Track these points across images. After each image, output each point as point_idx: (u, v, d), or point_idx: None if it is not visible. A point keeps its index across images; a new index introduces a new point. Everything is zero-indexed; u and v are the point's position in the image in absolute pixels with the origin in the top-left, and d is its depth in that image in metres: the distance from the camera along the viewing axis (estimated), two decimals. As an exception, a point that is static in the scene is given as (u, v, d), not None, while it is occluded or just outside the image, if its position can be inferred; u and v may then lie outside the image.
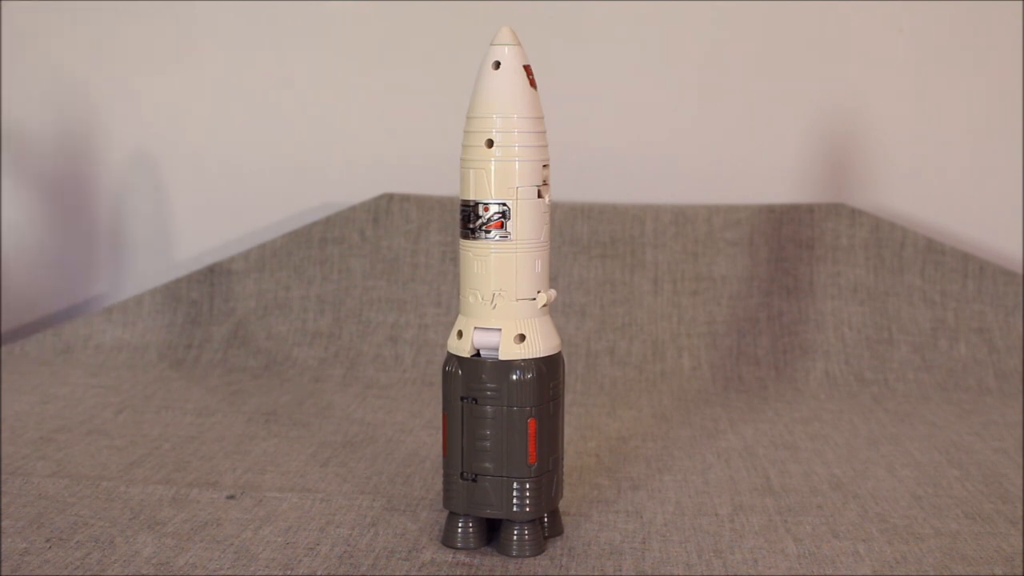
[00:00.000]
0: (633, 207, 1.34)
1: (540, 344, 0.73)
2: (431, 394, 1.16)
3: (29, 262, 1.45)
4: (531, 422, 0.72)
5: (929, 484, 0.90)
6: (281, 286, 1.32)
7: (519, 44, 0.72)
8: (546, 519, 0.77)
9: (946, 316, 1.26)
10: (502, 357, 0.72)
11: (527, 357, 0.72)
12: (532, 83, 0.72)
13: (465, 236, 0.73)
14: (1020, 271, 1.33)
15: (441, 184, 1.34)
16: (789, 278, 1.29)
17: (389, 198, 1.34)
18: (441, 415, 0.75)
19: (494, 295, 0.72)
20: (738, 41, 1.37)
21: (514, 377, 0.72)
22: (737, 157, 1.38)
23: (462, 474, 0.74)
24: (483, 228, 0.72)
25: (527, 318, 0.73)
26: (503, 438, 0.73)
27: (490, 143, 0.71)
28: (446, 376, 0.74)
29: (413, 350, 1.26)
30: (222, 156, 1.42)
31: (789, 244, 1.30)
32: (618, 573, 0.72)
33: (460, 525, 0.75)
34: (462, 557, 0.74)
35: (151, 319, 1.32)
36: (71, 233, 1.45)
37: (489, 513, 0.74)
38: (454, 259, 1.30)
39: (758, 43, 1.36)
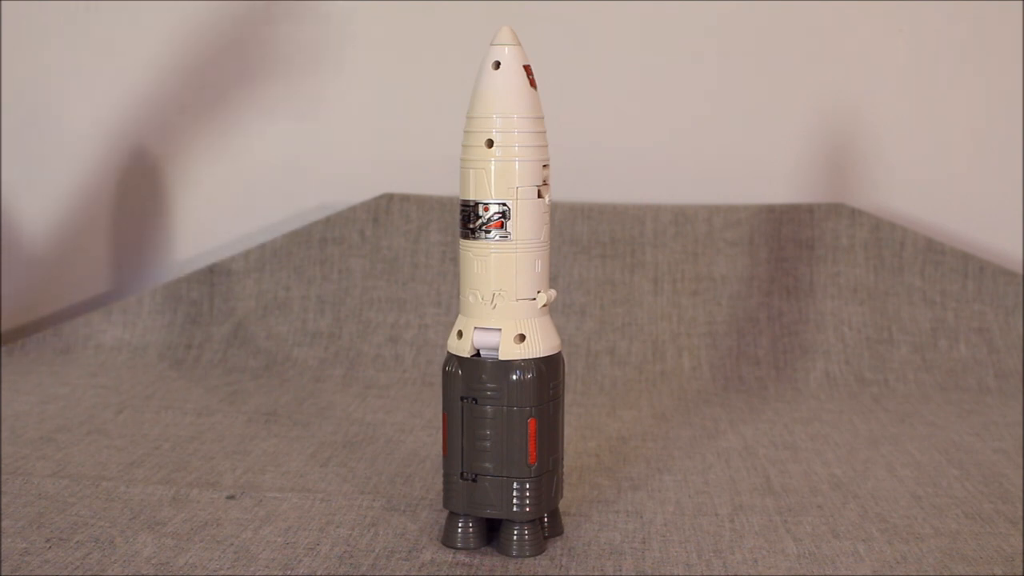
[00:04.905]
0: (633, 207, 1.34)
1: (540, 344, 0.73)
2: (431, 394, 1.16)
3: (29, 262, 1.45)
4: (531, 422, 0.72)
5: (929, 484, 0.90)
6: (281, 286, 1.32)
7: (519, 44, 0.72)
8: (546, 519, 0.77)
9: (946, 316, 1.26)
10: (502, 357, 0.72)
11: (527, 357, 0.72)
12: (532, 83, 0.72)
13: (465, 236, 0.73)
14: (1020, 271, 1.33)
15: (441, 184, 1.34)
16: (789, 278, 1.29)
17: (389, 198, 1.34)
18: (441, 415, 0.75)
19: (494, 295, 0.72)
20: (738, 41, 1.37)
21: (514, 377, 0.72)
22: (737, 157, 1.38)
23: (462, 474, 0.74)
24: (483, 228, 0.72)
25: (527, 318, 0.73)
26: (503, 438, 0.73)
27: (490, 143, 0.71)
28: (446, 376, 0.74)
29: (413, 350, 1.26)
30: (222, 156, 1.42)
31: (789, 244, 1.30)
32: (618, 573, 0.72)
33: (460, 525, 0.75)
34: (462, 557, 0.74)
35: (151, 319, 1.32)
36: (72, 233, 1.45)
37: (489, 513, 0.74)
38: (454, 259, 1.30)
39: (758, 43, 1.37)
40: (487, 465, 0.73)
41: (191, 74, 1.41)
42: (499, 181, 0.71)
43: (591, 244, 1.31)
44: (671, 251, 1.31)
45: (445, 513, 0.78)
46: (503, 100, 0.71)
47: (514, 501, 0.73)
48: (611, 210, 1.33)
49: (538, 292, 0.73)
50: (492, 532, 0.76)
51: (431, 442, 0.99)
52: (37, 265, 1.46)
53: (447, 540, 0.75)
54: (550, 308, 0.76)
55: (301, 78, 1.40)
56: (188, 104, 1.42)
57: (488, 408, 0.73)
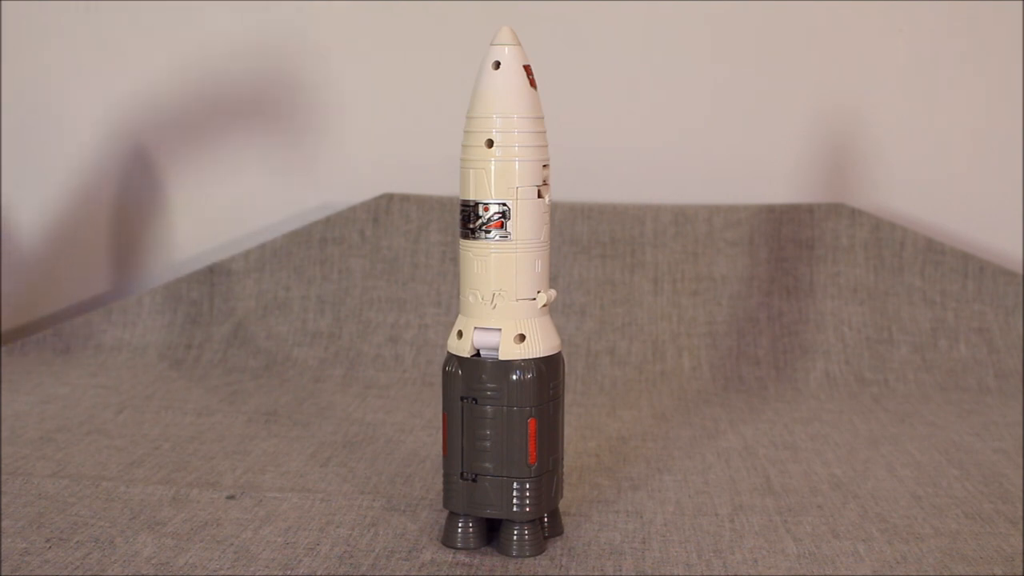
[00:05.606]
0: (633, 207, 1.34)
1: (540, 344, 0.73)
2: (431, 394, 1.16)
3: (29, 262, 1.45)
4: (531, 422, 0.72)
5: (929, 484, 0.90)
6: (281, 286, 1.32)
7: (519, 44, 0.72)
8: (546, 519, 0.77)
9: (946, 316, 1.26)
10: (502, 357, 0.72)
11: (527, 357, 0.72)
12: (532, 83, 0.72)
13: (465, 236, 0.73)
14: (1020, 271, 1.33)
15: (441, 184, 1.34)
16: (789, 278, 1.29)
17: (389, 198, 1.34)
18: (441, 415, 0.75)
19: (494, 295, 0.72)
20: (738, 41, 1.37)
21: (514, 377, 0.72)
22: (737, 157, 1.38)
23: (462, 474, 0.74)
24: (483, 228, 0.72)
25: (527, 318, 0.73)
26: (503, 438, 0.73)
27: (490, 143, 0.71)
28: (446, 376, 0.74)
29: (413, 350, 1.26)
30: (222, 156, 1.42)
31: (789, 244, 1.30)
32: (618, 573, 0.72)
33: (460, 525, 0.75)
34: (462, 557, 0.74)
35: (151, 319, 1.32)
36: (71, 233, 1.45)
37: (489, 513, 0.74)
38: (454, 259, 1.30)
39: (758, 43, 1.37)
40: (487, 465, 0.73)
41: (191, 74, 1.41)
42: (499, 181, 0.71)
43: (591, 244, 1.31)
44: (671, 251, 1.31)
45: (445, 513, 0.78)
46: (503, 100, 0.71)
47: (514, 501, 0.73)
48: (611, 210, 1.33)
49: (538, 292, 0.73)
50: (492, 532, 0.76)
51: (431, 442, 0.99)
52: (37, 265, 1.46)
53: (447, 540, 0.75)
54: (550, 308, 0.76)
55: (301, 78, 1.40)
56: (188, 104, 1.42)
57: (488, 408, 0.73)
